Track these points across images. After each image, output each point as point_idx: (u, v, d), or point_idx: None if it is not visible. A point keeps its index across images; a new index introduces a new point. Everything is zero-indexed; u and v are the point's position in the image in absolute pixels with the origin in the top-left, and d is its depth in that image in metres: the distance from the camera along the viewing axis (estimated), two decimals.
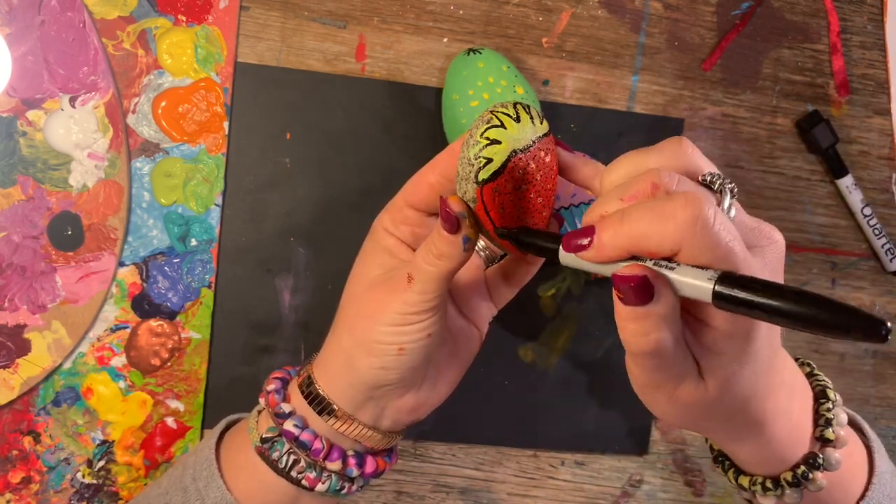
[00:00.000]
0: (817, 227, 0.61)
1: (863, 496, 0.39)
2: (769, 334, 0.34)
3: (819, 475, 0.37)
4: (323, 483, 0.40)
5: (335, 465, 0.40)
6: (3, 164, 0.51)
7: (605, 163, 0.57)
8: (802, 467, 0.37)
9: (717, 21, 0.59)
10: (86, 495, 0.53)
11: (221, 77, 0.53)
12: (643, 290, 0.30)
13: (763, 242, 0.34)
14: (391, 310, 0.38)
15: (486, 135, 0.35)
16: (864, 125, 0.61)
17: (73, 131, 0.51)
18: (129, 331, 0.53)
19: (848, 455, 0.38)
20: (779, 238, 0.34)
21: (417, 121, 0.55)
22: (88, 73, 0.51)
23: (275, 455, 0.40)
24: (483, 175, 0.35)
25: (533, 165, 0.36)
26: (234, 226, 0.54)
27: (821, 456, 0.37)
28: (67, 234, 0.52)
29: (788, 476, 0.38)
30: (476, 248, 0.43)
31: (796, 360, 0.40)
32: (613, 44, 0.57)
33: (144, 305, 0.53)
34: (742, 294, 0.28)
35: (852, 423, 0.42)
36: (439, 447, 0.57)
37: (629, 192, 0.32)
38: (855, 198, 0.60)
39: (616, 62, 0.58)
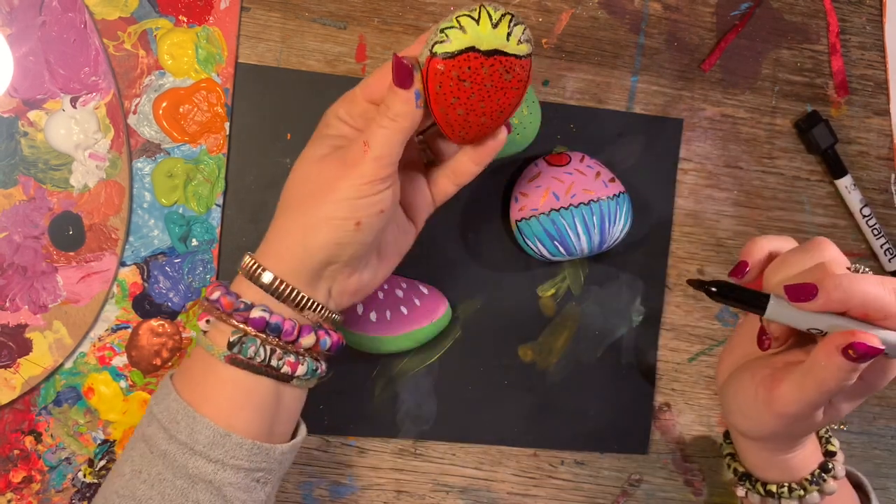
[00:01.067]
0: (816, 228, 0.61)
1: None
2: None
3: (831, 480, 0.46)
4: (302, 365, 0.41)
5: (309, 340, 0.41)
6: (5, 165, 0.51)
7: (605, 163, 0.57)
8: (818, 470, 0.46)
9: (716, 22, 0.59)
10: (87, 495, 0.53)
11: (222, 78, 0.53)
12: (871, 354, 0.37)
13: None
14: (347, 184, 0.39)
15: (459, 19, 0.39)
16: (862, 125, 0.61)
17: (75, 132, 0.51)
18: (130, 331, 0.53)
19: (841, 492, 0.47)
20: None
21: None
22: (89, 74, 0.51)
23: (249, 352, 0.39)
24: (436, 49, 0.39)
25: (485, 72, 0.40)
26: (235, 226, 0.54)
27: (830, 463, 0.46)
28: (68, 234, 0.52)
29: (809, 477, 0.46)
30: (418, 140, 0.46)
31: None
32: (613, 44, 0.58)
33: (145, 305, 0.53)
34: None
35: (852, 477, 0.51)
36: (439, 447, 0.57)
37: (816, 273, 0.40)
38: (854, 198, 0.60)
39: (615, 63, 0.58)
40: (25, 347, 0.52)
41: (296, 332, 0.41)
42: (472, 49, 0.39)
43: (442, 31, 0.39)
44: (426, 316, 0.53)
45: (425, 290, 0.54)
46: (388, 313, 0.52)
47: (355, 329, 0.52)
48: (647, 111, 0.58)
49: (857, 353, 0.36)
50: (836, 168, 0.60)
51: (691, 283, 0.41)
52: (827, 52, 0.61)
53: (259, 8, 0.53)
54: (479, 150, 0.44)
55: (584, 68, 0.57)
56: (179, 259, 0.53)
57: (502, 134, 0.44)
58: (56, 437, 0.52)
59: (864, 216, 0.60)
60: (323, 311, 0.42)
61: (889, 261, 0.61)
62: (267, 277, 0.41)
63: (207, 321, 0.42)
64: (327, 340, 0.42)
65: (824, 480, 0.46)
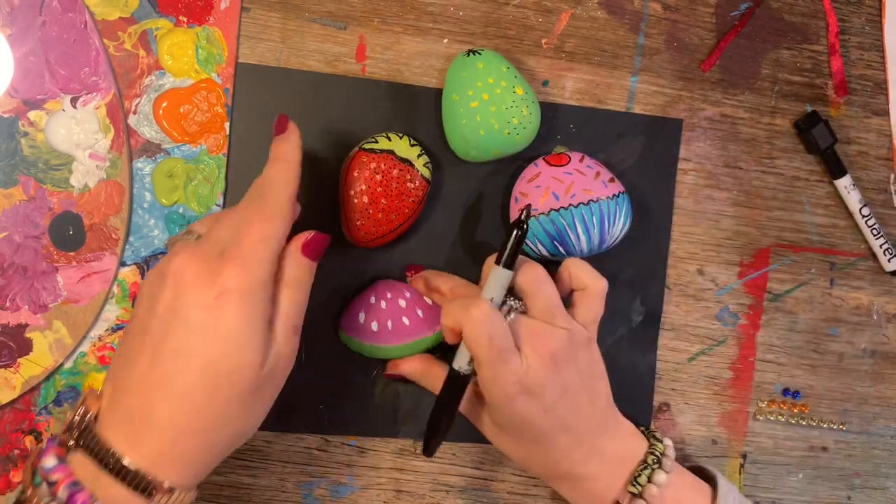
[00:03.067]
0: (816, 228, 0.61)
1: None
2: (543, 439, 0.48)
3: None
4: None
5: None
6: (5, 165, 0.51)
7: (605, 163, 0.58)
8: None
9: (715, 22, 0.59)
10: None
11: (222, 78, 0.53)
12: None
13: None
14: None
15: (387, 134, 0.52)
16: (862, 126, 0.61)
17: (75, 132, 0.51)
18: None
19: (676, 497, 0.49)
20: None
21: (417, 121, 0.55)
22: (90, 74, 0.52)
23: None
24: (365, 146, 0.51)
25: (396, 173, 0.51)
26: None
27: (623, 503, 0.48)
28: (69, 234, 0.52)
29: None
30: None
31: (646, 432, 0.53)
32: (612, 44, 0.58)
33: None
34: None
35: (707, 475, 0.52)
36: (439, 447, 0.57)
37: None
38: (853, 198, 0.60)
39: (615, 63, 0.58)
40: (25, 347, 0.52)
41: None
42: (390, 152, 0.51)
43: (373, 138, 0.52)
44: (429, 326, 0.52)
45: (429, 301, 0.53)
46: (389, 323, 0.52)
47: (355, 336, 0.52)
48: (647, 111, 0.58)
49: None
50: (835, 168, 0.60)
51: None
52: (826, 52, 0.61)
53: (259, 8, 0.53)
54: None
55: (583, 68, 0.57)
56: None
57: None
58: None
59: (864, 216, 0.60)
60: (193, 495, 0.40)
61: (888, 261, 0.61)
62: (139, 479, 0.37)
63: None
64: None
65: None
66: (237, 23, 0.53)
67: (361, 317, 0.52)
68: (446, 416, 0.47)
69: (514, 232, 0.45)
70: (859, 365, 0.62)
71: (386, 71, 0.55)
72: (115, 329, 0.53)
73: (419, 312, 0.52)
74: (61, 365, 0.52)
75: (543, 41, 0.57)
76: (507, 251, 0.45)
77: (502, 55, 0.54)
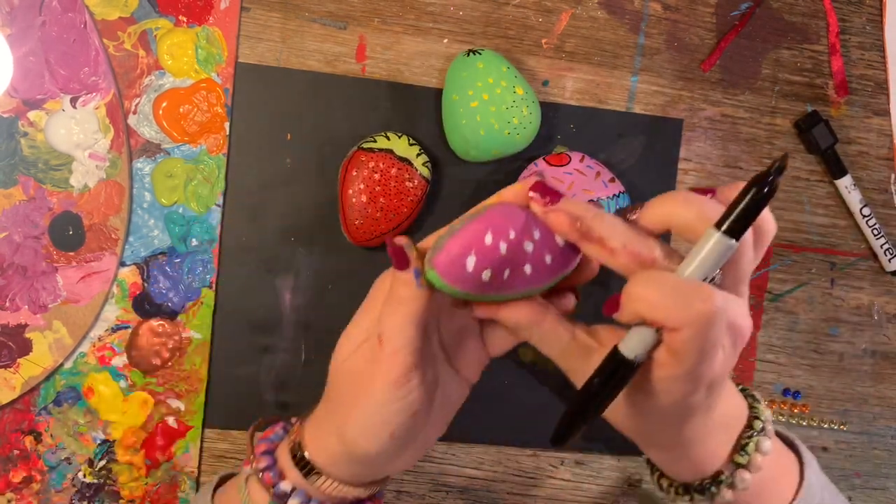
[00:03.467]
0: (816, 227, 0.61)
1: (795, 498, 0.42)
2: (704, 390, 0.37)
3: (726, 490, 0.41)
4: None
5: None
6: (5, 165, 0.51)
7: (605, 163, 0.57)
8: (707, 482, 0.41)
9: (716, 22, 0.59)
10: (87, 495, 0.53)
11: (222, 78, 0.53)
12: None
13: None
14: (373, 387, 0.37)
15: (386, 133, 0.52)
16: (862, 126, 0.61)
17: (75, 132, 0.51)
18: (129, 331, 0.53)
19: (773, 465, 0.41)
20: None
21: (417, 121, 0.55)
22: (89, 74, 0.51)
23: None
24: (363, 145, 0.51)
25: (394, 172, 0.51)
26: (235, 226, 0.54)
27: (726, 474, 0.41)
28: (68, 234, 0.52)
29: (696, 485, 0.41)
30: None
31: (743, 390, 0.44)
32: (613, 44, 0.58)
33: (145, 305, 0.53)
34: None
35: (788, 441, 0.46)
36: (439, 447, 0.57)
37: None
38: (854, 198, 0.60)
39: (615, 63, 0.58)
40: (25, 347, 0.52)
41: None
42: (389, 151, 0.51)
43: (371, 137, 0.52)
44: (553, 275, 0.39)
45: (560, 241, 0.38)
46: (506, 273, 0.37)
47: (456, 285, 0.36)
48: (647, 111, 0.58)
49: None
50: (835, 168, 0.60)
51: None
52: (827, 52, 0.61)
53: (259, 8, 0.53)
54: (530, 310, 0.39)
55: (583, 68, 0.57)
56: (179, 259, 0.53)
57: (570, 302, 0.42)
58: (56, 437, 0.52)
59: (864, 216, 0.60)
60: (360, 491, 0.41)
61: (889, 261, 0.61)
62: (309, 468, 0.40)
63: (254, 471, 0.41)
64: None
65: (712, 493, 0.40)
66: (237, 23, 0.53)
67: (470, 262, 0.36)
68: (599, 405, 0.36)
69: (755, 190, 0.31)
70: (860, 365, 0.62)
71: (386, 71, 0.55)
72: (115, 329, 0.53)
73: (547, 259, 0.38)
74: (61, 365, 0.52)
75: (543, 41, 0.57)
76: (738, 213, 0.32)
77: (502, 55, 0.54)
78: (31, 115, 0.51)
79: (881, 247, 0.61)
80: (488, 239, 0.36)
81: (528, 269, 0.37)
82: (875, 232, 0.60)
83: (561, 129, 0.57)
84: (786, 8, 0.60)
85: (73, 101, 0.51)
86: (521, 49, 0.57)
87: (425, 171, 0.52)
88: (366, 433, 0.38)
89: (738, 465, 0.41)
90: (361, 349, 0.38)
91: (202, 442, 0.54)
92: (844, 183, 0.60)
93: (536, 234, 0.37)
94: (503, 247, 0.36)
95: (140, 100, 0.52)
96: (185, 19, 0.52)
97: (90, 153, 0.52)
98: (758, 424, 0.41)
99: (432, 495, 0.57)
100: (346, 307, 0.56)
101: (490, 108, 0.51)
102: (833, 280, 0.61)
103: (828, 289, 0.61)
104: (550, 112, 0.57)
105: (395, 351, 0.36)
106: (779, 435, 0.45)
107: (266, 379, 0.55)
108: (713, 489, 0.40)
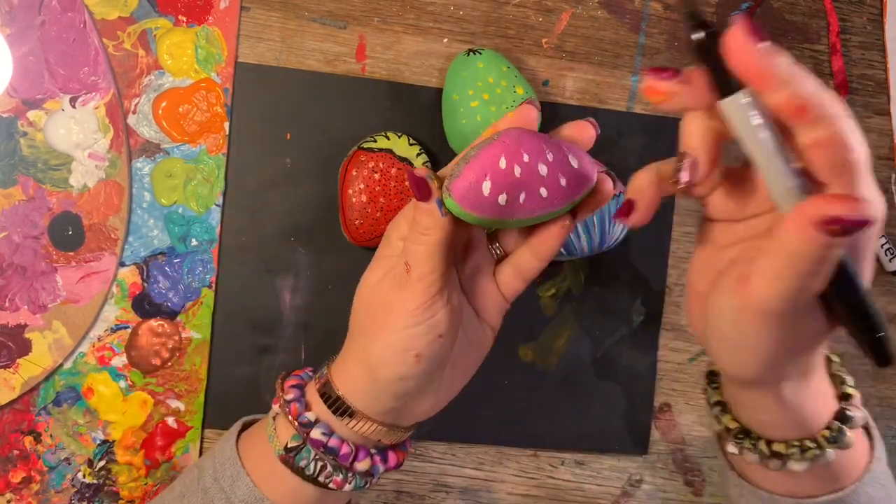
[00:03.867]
0: None
1: (867, 468, 0.40)
2: None
3: (849, 432, 0.37)
4: (349, 483, 0.41)
5: (363, 465, 0.41)
6: (4, 165, 0.51)
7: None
8: (837, 423, 0.37)
9: (716, 22, 0.59)
10: (86, 495, 0.53)
11: (222, 77, 0.53)
12: (857, 226, 0.28)
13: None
14: (399, 310, 0.38)
15: (386, 133, 0.53)
16: (863, 125, 0.61)
17: (74, 131, 0.51)
18: (129, 331, 0.53)
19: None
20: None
21: (417, 121, 0.55)
22: (89, 74, 0.51)
23: (301, 463, 0.40)
24: (363, 145, 0.52)
25: (394, 172, 0.51)
26: (235, 226, 0.54)
27: (849, 410, 0.38)
28: (68, 234, 0.52)
29: (826, 433, 0.38)
30: (492, 246, 0.43)
31: None
32: (613, 44, 0.58)
33: (145, 305, 0.53)
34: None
35: None
36: (439, 447, 0.57)
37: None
38: None
39: (616, 62, 0.58)
40: (25, 347, 0.51)
41: (351, 458, 0.41)
42: (389, 151, 0.51)
43: (371, 137, 0.52)
44: (569, 196, 0.38)
45: (575, 163, 0.39)
46: (522, 196, 0.37)
47: (474, 210, 0.37)
48: (648, 111, 0.58)
49: (841, 227, 0.28)
50: None
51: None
52: (827, 51, 0.61)
53: (259, 8, 0.53)
54: (539, 245, 0.40)
55: (584, 68, 0.57)
56: (179, 259, 0.53)
57: (565, 225, 0.40)
58: (55, 438, 0.52)
59: None
60: (388, 431, 0.41)
61: (889, 260, 0.61)
62: (336, 400, 0.40)
63: (282, 404, 0.42)
64: (380, 467, 0.42)
65: (843, 434, 0.37)
66: (237, 22, 0.53)
67: (486, 187, 0.37)
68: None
69: (705, 44, 0.32)
70: (861, 365, 0.62)
71: (386, 70, 0.55)
72: (115, 329, 0.52)
73: (562, 181, 0.38)
74: (60, 365, 0.52)
75: (544, 41, 0.57)
76: (715, 76, 0.32)
77: (502, 55, 0.54)
78: (31, 114, 0.51)
79: (881, 246, 0.60)
80: (503, 163, 0.37)
81: (543, 191, 0.38)
82: None
83: None
84: (786, 8, 0.60)
85: (73, 101, 0.51)
86: (522, 49, 0.56)
87: (420, 166, 0.52)
88: (393, 355, 0.38)
89: (847, 398, 0.38)
90: (386, 278, 0.39)
91: (202, 442, 0.54)
92: None
93: (550, 157, 0.38)
94: (518, 170, 0.37)
95: (139, 99, 0.52)
96: (184, 19, 0.52)
97: (90, 153, 0.52)
98: (833, 357, 0.40)
99: (433, 496, 0.57)
100: (346, 307, 0.56)
101: (490, 107, 0.51)
102: None
103: None
104: (551, 112, 0.56)
105: (422, 276, 0.37)
106: None
107: (266, 379, 0.55)
108: (844, 431, 0.37)
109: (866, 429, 0.42)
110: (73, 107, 0.51)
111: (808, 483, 0.40)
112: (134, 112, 0.52)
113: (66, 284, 0.52)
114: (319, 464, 0.40)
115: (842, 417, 0.38)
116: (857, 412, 0.38)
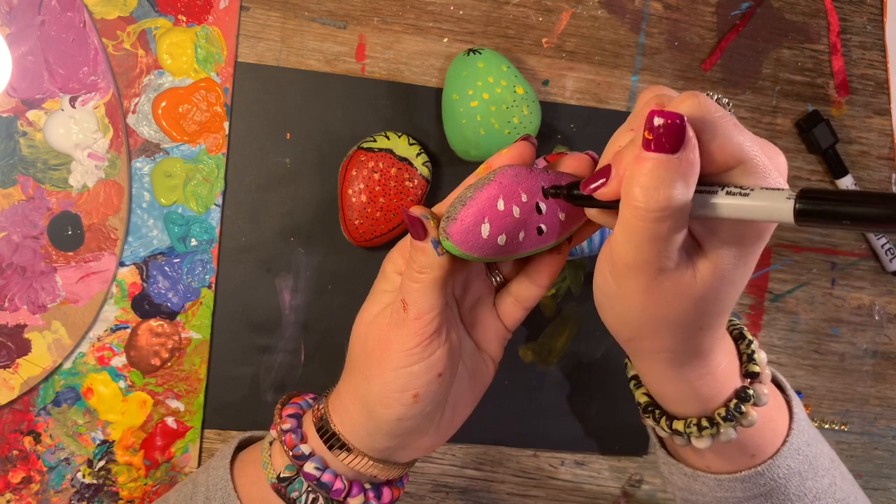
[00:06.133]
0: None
1: (785, 441, 0.40)
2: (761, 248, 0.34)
3: (751, 409, 0.38)
4: None
5: (356, 501, 0.40)
6: (4, 164, 0.51)
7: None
8: (734, 401, 0.38)
9: (716, 21, 0.59)
10: (86, 495, 0.53)
11: (221, 77, 0.53)
12: (677, 135, 0.29)
13: (769, 154, 0.33)
14: (396, 348, 0.37)
15: (386, 133, 0.52)
16: (863, 125, 0.61)
17: (74, 131, 0.51)
18: (129, 331, 0.53)
19: (771, 399, 0.39)
20: (782, 157, 0.33)
21: (417, 121, 0.55)
22: (88, 73, 0.51)
23: (293, 494, 0.39)
24: (363, 145, 0.52)
25: (394, 172, 0.51)
26: (235, 226, 0.54)
27: (750, 388, 0.38)
28: (68, 234, 0.52)
29: (722, 411, 0.38)
30: (489, 274, 0.42)
31: None
32: (613, 44, 0.57)
33: (145, 305, 0.53)
34: (828, 207, 0.27)
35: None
36: (439, 447, 0.57)
37: (637, 120, 0.32)
38: None
39: (616, 62, 0.58)
40: (24, 348, 0.51)
41: (344, 493, 0.40)
42: (389, 150, 0.51)
43: (371, 137, 0.52)
44: (569, 227, 0.39)
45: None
46: (521, 235, 0.37)
47: (474, 252, 0.36)
48: None
49: (659, 127, 0.29)
50: (836, 168, 0.60)
51: (547, 192, 0.36)
52: (828, 51, 0.60)
53: (258, 7, 0.53)
54: (538, 274, 0.40)
55: (584, 68, 0.57)
56: (178, 259, 0.53)
57: (563, 252, 0.40)
58: (55, 438, 0.52)
59: None
60: (384, 468, 0.41)
61: (890, 261, 0.60)
62: (332, 435, 0.40)
63: (278, 433, 0.41)
64: (372, 503, 0.41)
65: (741, 413, 0.37)
66: (236, 22, 0.53)
67: (485, 229, 0.36)
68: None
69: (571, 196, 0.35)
70: (860, 365, 0.62)
71: (386, 70, 0.55)
72: (114, 329, 0.52)
73: (560, 215, 0.38)
74: (60, 365, 0.52)
75: (544, 40, 0.57)
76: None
77: (502, 54, 0.54)
78: (30, 114, 0.51)
79: (882, 246, 0.60)
80: (501, 205, 0.36)
81: (542, 227, 0.38)
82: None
83: (561, 128, 0.57)
84: (786, 7, 0.60)
85: (73, 101, 0.51)
86: (522, 48, 0.56)
87: (425, 171, 0.52)
88: (390, 394, 0.37)
89: (752, 375, 0.38)
90: (383, 313, 0.38)
91: (201, 442, 0.54)
92: (845, 183, 0.60)
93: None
94: (516, 211, 0.36)
95: (139, 99, 0.52)
96: (184, 19, 0.52)
97: (89, 153, 0.52)
98: (748, 334, 0.40)
99: (433, 496, 0.57)
100: (346, 307, 0.56)
101: (490, 107, 0.51)
102: (834, 280, 0.61)
103: (829, 289, 0.61)
104: (551, 112, 0.56)
105: (420, 315, 0.36)
106: None
107: (265, 379, 0.55)
108: (741, 408, 0.37)
109: (788, 401, 0.42)
110: (73, 106, 0.51)
111: (729, 458, 0.40)
112: (133, 112, 0.52)
113: (66, 284, 0.52)
114: (311, 496, 0.40)
115: (740, 396, 0.38)
116: (761, 388, 0.38)
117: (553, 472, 0.58)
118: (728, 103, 0.32)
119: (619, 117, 0.57)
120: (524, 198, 0.37)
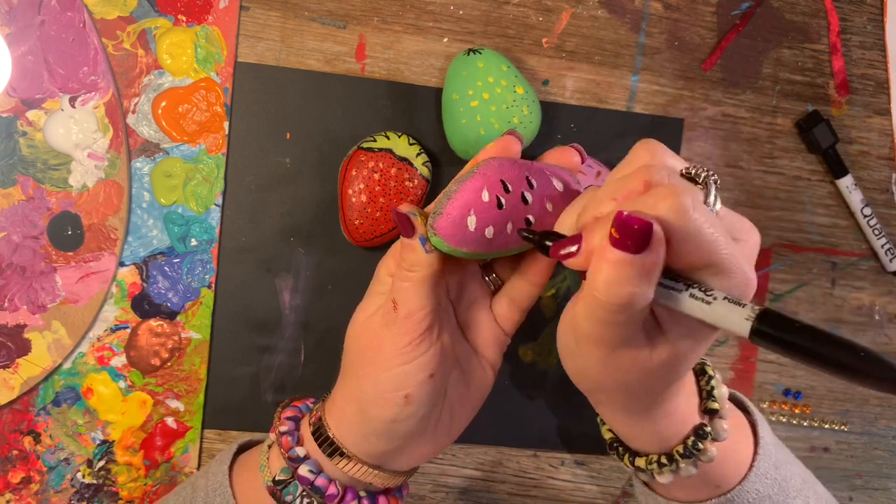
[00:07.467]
0: (817, 227, 0.61)
1: (751, 467, 0.40)
2: None
3: (709, 445, 0.38)
4: None
5: None
6: (3, 164, 0.51)
7: (606, 163, 0.57)
8: (692, 438, 0.38)
9: (716, 21, 0.59)
10: (86, 495, 0.53)
11: (221, 77, 0.53)
12: (642, 238, 0.29)
13: (743, 237, 0.33)
14: (388, 348, 0.37)
15: (386, 133, 0.52)
16: (863, 125, 0.61)
17: (73, 131, 0.51)
18: (129, 331, 0.53)
19: (734, 428, 0.40)
20: (756, 236, 0.34)
21: (417, 120, 0.55)
22: (88, 73, 0.51)
23: (287, 498, 0.39)
24: (363, 144, 0.51)
25: (394, 172, 0.51)
26: (234, 226, 0.54)
27: (708, 426, 0.39)
28: (67, 234, 0.52)
29: (680, 448, 0.38)
30: (487, 278, 0.42)
31: None
32: (613, 44, 0.57)
33: (144, 305, 0.53)
34: (783, 336, 0.29)
35: (734, 401, 0.44)
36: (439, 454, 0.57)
37: (622, 192, 0.32)
38: (855, 198, 0.60)
39: (616, 62, 0.58)
40: (24, 348, 0.51)
41: (337, 499, 0.40)
42: (389, 150, 0.51)
43: (371, 137, 0.51)
44: (557, 218, 0.38)
45: (560, 186, 0.38)
46: (509, 226, 0.37)
47: (460, 246, 0.37)
48: (648, 111, 0.58)
49: (626, 229, 0.29)
50: (836, 168, 0.60)
51: (521, 234, 0.36)
52: (828, 51, 0.60)
53: (258, 7, 0.53)
54: (531, 269, 0.40)
55: (584, 68, 0.57)
56: (178, 259, 0.53)
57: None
58: (55, 438, 0.52)
59: (865, 216, 0.60)
60: (380, 475, 0.40)
61: (890, 261, 0.60)
62: (326, 439, 0.40)
63: (276, 435, 0.41)
64: None
65: (699, 450, 0.38)
66: (236, 22, 0.53)
67: (471, 222, 0.36)
68: None
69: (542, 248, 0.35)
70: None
71: (386, 70, 0.55)
72: (114, 329, 0.52)
73: (548, 206, 0.38)
74: (60, 365, 0.52)
75: (544, 40, 0.57)
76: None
77: (502, 54, 0.54)
78: (30, 114, 0.51)
79: (882, 247, 0.60)
80: (485, 196, 0.36)
81: (531, 218, 0.37)
82: (876, 232, 0.60)
83: (561, 128, 0.57)
84: (787, 7, 0.60)
85: (72, 101, 0.51)
86: (522, 48, 0.56)
87: (425, 171, 0.52)
88: (383, 395, 0.37)
89: (711, 412, 0.39)
90: (376, 315, 0.39)
91: (201, 442, 0.54)
92: (845, 183, 0.60)
93: (534, 183, 0.37)
94: (501, 201, 0.36)
95: (139, 99, 0.52)
96: (184, 18, 0.52)
97: (89, 153, 0.52)
98: (709, 370, 0.41)
99: (432, 496, 0.57)
100: (346, 307, 0.56)
101: (490, 107, 0.51)
102: (834, 280, 0.61)
103: (829, 289, 0.61)
104: (551, 111, 0.56)
105: (410, 313, 0.37)
106: None
107: (265, 379, 0.54)
108: (699, 446, 0.38)
109: (753, 423, 0.42)
110: (73, 106, 0.51)
111: (694, 490, 0.40)
112: (133, 112, 0.52)
113: (66, 284, 0.52)
114: (306, 500, 0.40)
115: (698, 434, 0.38)
116: (720, 424, 0.39)
117: (553, 472, 0.58)
118: (712, 174, 0.32)
119: (619, 117, 0.57)
120: (509, 187, 0.36)
